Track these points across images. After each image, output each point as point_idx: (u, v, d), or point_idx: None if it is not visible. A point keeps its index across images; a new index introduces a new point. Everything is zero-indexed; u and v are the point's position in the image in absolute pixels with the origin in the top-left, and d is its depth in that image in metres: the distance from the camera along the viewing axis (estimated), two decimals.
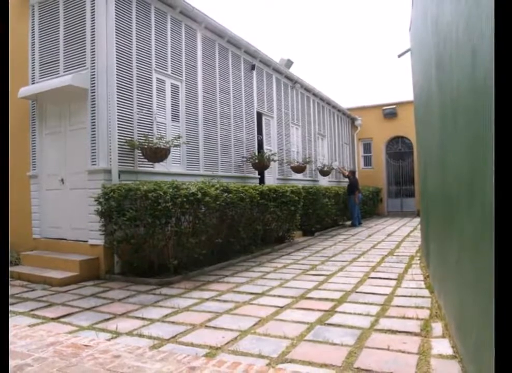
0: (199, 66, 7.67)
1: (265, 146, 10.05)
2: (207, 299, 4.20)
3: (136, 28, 6.19)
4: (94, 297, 4.46)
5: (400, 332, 3.05)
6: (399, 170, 17.12)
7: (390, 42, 35.51)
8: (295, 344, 2.88)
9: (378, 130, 17.16)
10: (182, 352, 2.74)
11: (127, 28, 6.03)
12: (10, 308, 4.01)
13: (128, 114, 5.95)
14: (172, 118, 6.92)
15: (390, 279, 4.87)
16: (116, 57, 5.76)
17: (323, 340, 2.94)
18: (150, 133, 6.19)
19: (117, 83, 5.74)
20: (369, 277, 5.01)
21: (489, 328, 1.51)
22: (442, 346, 2.74)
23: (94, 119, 5.70)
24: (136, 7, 6.22)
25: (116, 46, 5.78)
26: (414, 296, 4.03)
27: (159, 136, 6.18)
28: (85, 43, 5.82)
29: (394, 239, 8.90)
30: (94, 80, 5.71)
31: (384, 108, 16.89)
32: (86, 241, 5.69)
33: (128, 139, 5.87)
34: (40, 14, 6.37)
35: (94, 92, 5.71)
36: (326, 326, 3.26)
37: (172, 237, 5.21)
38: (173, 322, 3.49)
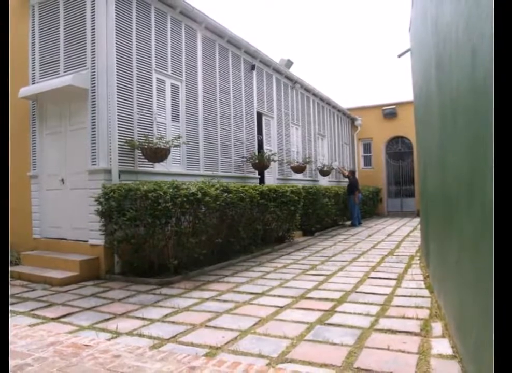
0: (199, 66, 7.67)
1: (265, 146, 10.05)
2: (207, 299, 4.21)
3: (136, 28, 6.20)
4: (94, 297, 4.46)
5: (400, 332, 3.05)
6: (399, 170, 17.13)
7: (390, 42, 35.50)
8: (295, 344, 2.88)
9: (377, 130, 17.17)
10: (182, 351, 2.74)
11: (127, 28, 6.03)
12: (10, 308, 4.01)
13: (128, 114, 5.95)
14: (172, 118, 6.92)
15: (390, 279, 4.87)
16: (117, 57, 5.76)
17: (323, 339, 2.94)
18: (150, 133, 6.19)
19: (117, 83, 5.75)
20: (369, 277, 5.01)
21: (489, 328, 1.52)
22: (442, 346, 2.74)
23: (94, 119, 5.70)
24: (136, 7, 6.23)
25: (117, 47, 5.78)
26: (414, 296, 4.03)
27: (159, 136, 6.18)
28: (85, 43, 5.82)
29: (394, 239, 8.90)
30: (94, 80, 5.71)
31: (384, 108, 16.89)
32: (87, 241, 5.69)
33: (128, 139, 5.87)
34: (40, 14, 6.37)
35: (94, 92, 5.72)
36: (326, 326, 3.26)
37: (172, 237, 5.21)
38: (173, 322, 3.49)
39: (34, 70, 6.44)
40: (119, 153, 5.66)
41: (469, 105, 2.03)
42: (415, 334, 2.99)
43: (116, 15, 5.79)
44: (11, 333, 3.07)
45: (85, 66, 5.81)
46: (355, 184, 12.38)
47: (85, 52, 5.82)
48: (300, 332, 3.11)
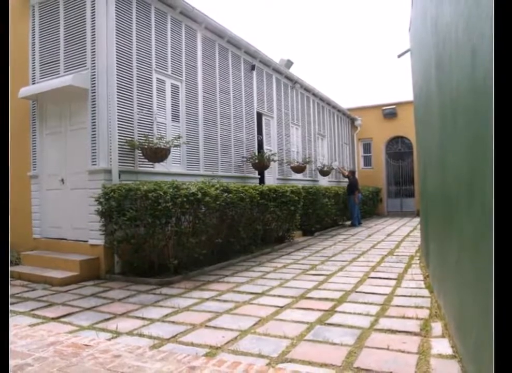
0: (199, 66, 7.67)
1: (265, 146, 10.06)
2: (207, 299, 4.21)
3: (136, 29, 6.20)
4: (94, 297, 4.46)
5: (400, 332, 3.05)
6: (399, 170, 17.13)
7: (390, 42, 35.50)
8: (295, 344, 2.89)
9: (377, 130, 17.17)
10: (182, 351, 2.75)
11: (127, 28, 6.03)
12: (11, 308, 4.01)
13: (129, 114, 5.95)
14: (172, 118, 6.93)
15: (390, 279, 4.88)
16: (117, 57, 5.76)
17: (322, 339, 2.95)
18: (150, 134, 6.19)
19: (117, 83, 5.75)
20: (369, 277, 5.01)
21: (489, 328, 1.52)
22: (441, 346, 2.74)
23: (94, 119, 5.70)
24: (136, 7, 6.23)
25: (117, 47, 5.78)
26: (414, 296, 4.04)
27: (160, 136, 6.19)
28: (85, 43, 5.83)
29: (394, 239, 8.90)
30: (94, 80, 5.71)
31: (384, 108, 16.89)
32: (87, 241, 5.70)
33: (129, 139, 5.88)
34: (40, 14, 6.37)
35: (94, 92, 5.72)
36: (326, 325, 3.26)
37: (172, 237, 5.21)
38: (173, 322, 3.49)
39: (34, 70, 6.45)
40: (119, 153, 5.67)
41: (469, 105, 2.03)
42: (415, 334, 2.99)
43: (116, 15, 5.79)
44: (11, 333, 3.07)
45: (85, 66, 5.81)
46: (355, 184, 12.38)
47: (85, 52, 5.82)
48: (300, 332, 3.12)
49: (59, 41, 6.13)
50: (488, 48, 1.52)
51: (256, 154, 9.30)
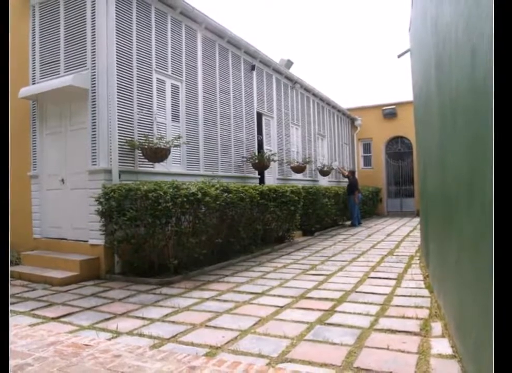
0: (199, 66, 7.68)
1: (265, 146, 10.06)
2: (207, 299, 4.21)
3: (136, 29, 6.20)
4: (94, 297, 4.46)
5: (399, 331, 3.05)
6: (399, 170, 17.13)
7: (390, 42, 35.51)
8: (294, 344, 2.89)
9: (377, 130, 17.17)
10: (182, 351, 2.75)
11: (127, 28, 6.04)
12: (11, 308, 4.02)
13: (129, 114, 5.96)
14: (172, 118, 6.93)
15: (390, 279, 4.88)
16: (117, 58, 5.77)
17: (322, 339, 2.95)
18: (150, 134, 6.20)
19: (117, 83, 5.75)
20: (368, 277, 5.02)
21: (488, 328, 1.52)
22: (441, 345, 2.74)
23: (95, 119, 5.71)
24: (136, 8, 6.23)
25: (117, 47, 5.78)
26: (413, 296, 4.04)
27: (160, 136, 6.19)
28: (85, 43, 5.83)
29: (394, 239, 8.91)
30: (94, 80, 5.71)
31: (384, 108, 16.90)
32: (87, 241, 5.70)
33: (129, 139, 5.88)
34: (40, 14, 6.38)
35: (94, 92, 5.72)
36: (326, 325, 3.27)
37: (173, 237, 5.22)
38: (173, 322, 3.50)
39: (34, 70, 6.45)
40: (119, 153, 5.67)
41: (469, 105, 2.03)
42: (415, 334, 3.00)
43: (116, 16, 5.80)
44: (11, 333, 3.07)
45: (85, 66, 5.81)
46: (355, 184, 12.38)
47: (85, 52, 5.82)
48: (300, 332, 3.12)
49: (59, 41, 6.13)
50: (488, 48, 1.52)
51: (256, 154, 9.30)
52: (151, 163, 6.21)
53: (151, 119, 6.39)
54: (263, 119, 10.16)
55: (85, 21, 5.84)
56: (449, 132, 2.79)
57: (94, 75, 5.71)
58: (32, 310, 3.99)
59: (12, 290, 4.79)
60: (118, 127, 5.72)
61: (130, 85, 6.03)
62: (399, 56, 8.30)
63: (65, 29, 6.07)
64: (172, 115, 6.94)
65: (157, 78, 6.61)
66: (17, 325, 3.39)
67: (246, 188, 6.72)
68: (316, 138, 13.56)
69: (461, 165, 2.34)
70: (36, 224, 6.46)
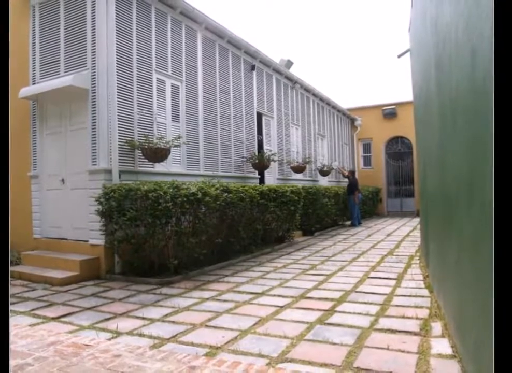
0: (199, 66, 7.68)
1: (265, 146, 10.06)
2: (207, 299, 4.21)
3: (136, 29, 6.20)
4: (94, 297, 4.46)
5: (399, 331, 3.06)
6: (399, 170, 17.14)
7: (390, 42, 35.51)
8: (294, 344, 2.89)
9: (377, 130, 17.18)
10: (182, 351, 2.75)
11: (127, 28, 6.04)
12: (11, 308, 4.02)
13: (129, 114, 5.96)
14: (172, 118, 6.93)
15: (390, 279, 4.88)
16: (117, 58, 5.77)
17: (322, 339, 2.95)
18: (150, 134, 6.20)
19: (117, 83, 5.75)
20: (368, 277, 5.02)
21: (488, 328, 1.52)
22: (441, 345, 2.75)
23: (95, 119, 5.71)
24: (137, 8, 6.23)
25: (117, 47, 5.78)
26: (413, 296, 4.04)
27: (160, 136, 6.19)
28: (85, 43, 5.83)
29: (394, 239, 8.91)
30: (94, 80, 5.72)
31: (384, 108, 16.90)
32: (87, 241, 5.70)
33: (129, 139, 5.88)
34: (40, 14, 6.38)
35: (94, 92, 5.72)
36: (326, 325, 3.27)
37: (173, 237, 5.22)
38: (173, 322, 3.50)
39: (34, 70, 6.45)
40: (119, 153, 5.67)
41: (469, 105, 2.04)
42: (415, 334, 3.00)
43: (116, 16, 5.80)
44: (11, 333, 3.08)
45: (85, 66, 5.81)
46: (355, 184, 12.39)
47: (85, 52, 5.83)
48: (300, 332, 3.12)
49: (59, 41, 6.13)
50: (488, 48, 1.52)
51: (256, 154, 9.31)
52: (151, 163, 6.21)
53: (151, 119, 6.40)
54: (263, 119, 10.16)
55: (85, 21, 5.84)
56: (448, 132, 2.79)
57: (94, 75, 5.71)
58: (33, 309, 3.99)
59: (12, 290, 4.79)
60: (118, 127, 5.72)
61: (130, 85, 6.03)
62: (399, 56, 8.30)
63: (65, 29, 6.08)
64: (172, 115, 6.94)
65: (157, 78, 6.61)
66: (18, 325, 3.39)
67: (246, 188, 6.72)
68: (316, 138, 13.56)
69: (461, 164, 2.34)
70: (36, 224, 6.46)
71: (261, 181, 9.63)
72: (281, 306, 3.83)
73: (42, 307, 4.07)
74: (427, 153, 4.58)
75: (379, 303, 3.83)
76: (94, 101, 5.72)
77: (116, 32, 5.79)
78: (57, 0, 6.16)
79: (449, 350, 2.65)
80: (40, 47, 6.38)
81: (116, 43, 5.77)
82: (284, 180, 10.75)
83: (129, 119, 5.97)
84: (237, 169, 8.77)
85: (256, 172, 9.42)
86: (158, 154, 5.98)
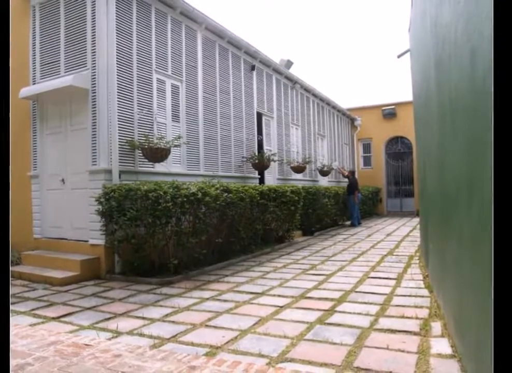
0: (199, 67, 7.68)
1: (265, 146, 10.06)
2: (207, 299, 4.21)
3: (137, 29, 6.20)
4: (94, 297, 4.47)
5: (399, 331, 3.06)
6: (399, 170, 17.14)
7: (390, 42, 35.52)
8: (294, 344, 2.89)
9: (377, 130, 17.18)
10: (183, 351, 2.75)
11: (127, 28, 6.04)
12: (11, 307, 4.02)
13: (129, 115, 5.96)
14: (172, 118, 6.93)
15: (390, 279, 4.88)
16: (117, 58, 5.77)
17: (322, 339, 2.95)
18: (150, 134, 6.20)
19: (117, 84, 5.75)
20: (368, 277, 5.02)
21: (488, 327, 1.52)
22: (441, 345, 2.75)
23: (95, 119, 5.71)
24: (137, 8, 6.23)
25: (117, 47, 5.79)
26: (413, 296, 4.04)
27: (160, 136, 6.19)
28: (86, 43, 5.83)
29: (393, 239, 8.91)
30: (94, 80, 5.72)
31: (384, 108, 16.90)
32: (87, 241, 5.70)
33: (129, 139, 5.88)
34: (41, 14, 6.38)
35: (94, 92, 5.73)
36: (326, 325, 3.27)
37: (173, 237, 5.22)
38: (173, 321, 3.50)
39: (35, 71, 6.45)
40: (119, 153, 5.67)
41: (469, 105, 2.04)
42: (415, 333, 3.00)
43: (116, 16, 5.80)
44: (12, 333, 3.08)
45: (85, 66, 5.82)
46: (355, 184, 12.39)
47: (85, 52, 5.83)
48: (300, 332, 3.12)
49: (59, 42, 6.14)
50: (488, 48, 1.53)
51: (256, 154, 9.31)
52: (151, 163, 6.21)
53: (151, 119, 6.40)
54: (263, 119, 10.16)
55: (85, 21, 5.85)
56: (448, 132, 2.80)
57: (94, 75, 5.72)
58: (33, 309, 3.99)
59: (12, 290, 4.79)
60: (119, 127, 5.72)
61: (131, 85, 6.03)
62: (399, 56, 8.30)
63: (65, 29, 6.08)
64: (172, 115, 6.94)
65: (157, 78, 6.62)
66: (18, 324, 3.39)
67: (246, 188, 6.72)
68: (316, 138, 13.56)
69: (461, 164, 2.35)
70: (36, 224, 6.46)
71: (261, 181, 9.63)
72: (281, 306, 3.84)
73: (42, 307, 4.07)
74: (426, 153, 4.59)
75: (379, 303, 3.83)
76: (94, 101, 5.72)
77: (117, 33, 5.79)
78: (58, 0, 6.16)
79: (448, 350, 2.65)
80: (40, 47, 6.38)
81: (116, 43, 5.78)
82: (284, 180, 10.76)
83: (129, 119, 5.97)
84: (237, 169, 8.77)
85: (256, 172, 9.43)
86: (158, 154, 5.99)
